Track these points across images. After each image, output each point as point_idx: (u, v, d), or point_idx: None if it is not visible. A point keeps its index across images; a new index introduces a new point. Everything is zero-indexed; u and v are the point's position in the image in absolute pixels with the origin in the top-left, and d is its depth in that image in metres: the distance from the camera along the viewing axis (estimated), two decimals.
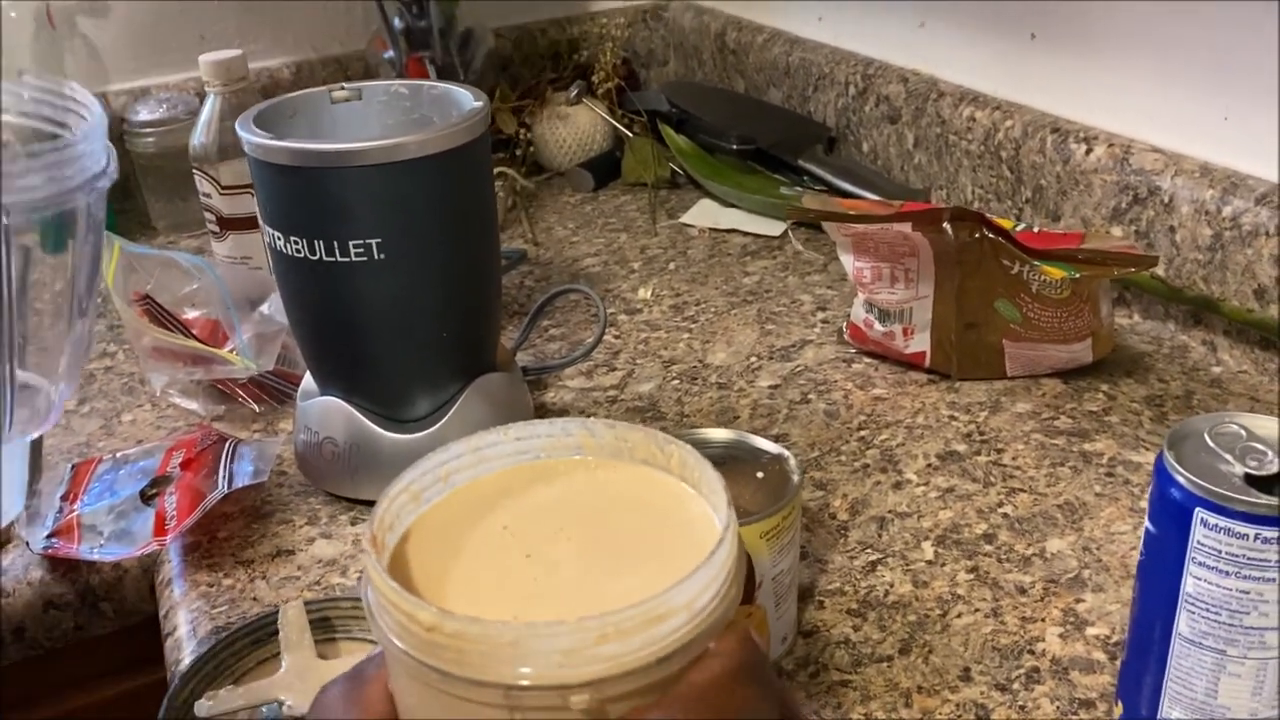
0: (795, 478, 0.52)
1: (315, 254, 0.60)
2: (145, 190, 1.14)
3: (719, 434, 0.56)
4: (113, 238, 0.80)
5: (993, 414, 0.74)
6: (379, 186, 0.58)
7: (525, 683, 0.23)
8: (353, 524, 0.67)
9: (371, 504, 0.67)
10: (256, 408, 0.77)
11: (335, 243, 0.60)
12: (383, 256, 0.60)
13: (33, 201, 0.42)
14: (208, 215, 0.92)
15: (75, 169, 0.44)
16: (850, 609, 0.58)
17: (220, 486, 0.64)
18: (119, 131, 1.11)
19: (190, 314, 0.79)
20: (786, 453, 0.54)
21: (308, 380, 0.69)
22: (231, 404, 0.79)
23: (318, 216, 0.60)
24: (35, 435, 0.60)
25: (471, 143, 0.61)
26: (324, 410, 0.66)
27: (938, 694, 0.52)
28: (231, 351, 0.75)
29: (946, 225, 0.67)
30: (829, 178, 1.08)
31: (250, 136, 0.60)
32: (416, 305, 0.63)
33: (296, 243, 0.61)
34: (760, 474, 0.53)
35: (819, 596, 0.59)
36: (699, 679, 0.24)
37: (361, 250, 0.60)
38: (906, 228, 0.67)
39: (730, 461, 0.54)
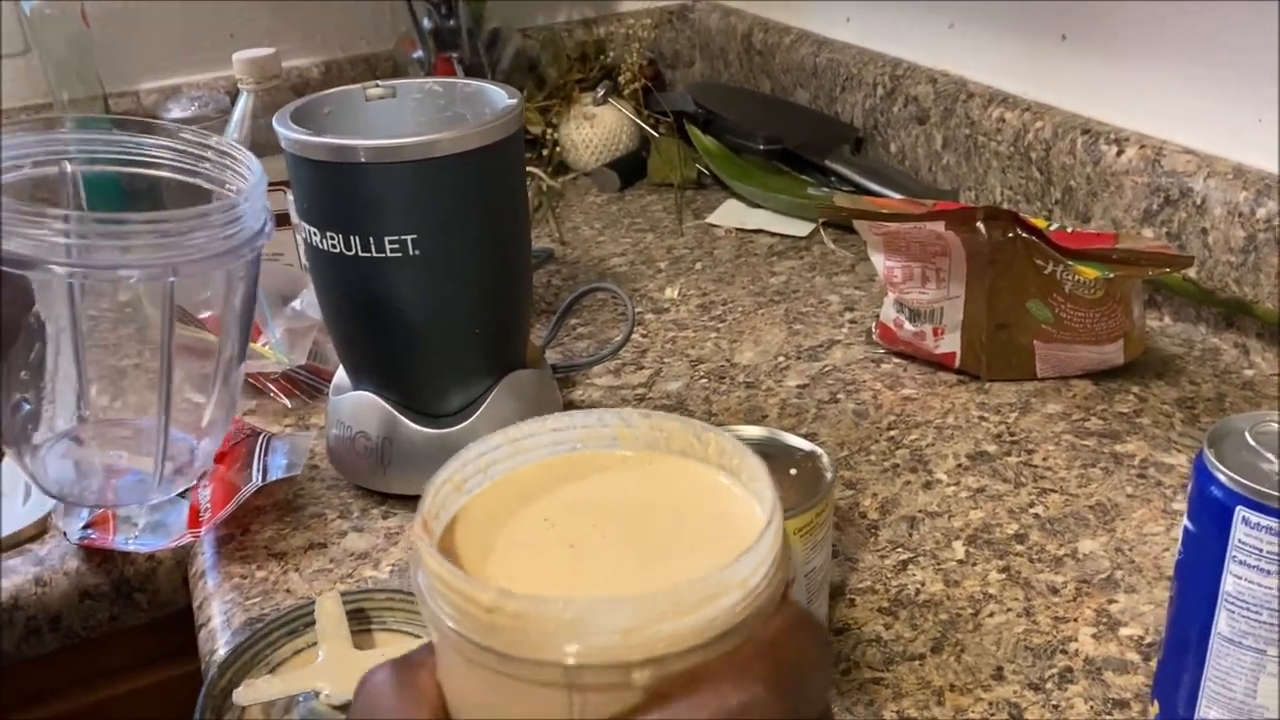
0: (828, 475, 0.53)
1: (351, 249, 0.61)
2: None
3: (751, 431, 0.56)
4: None
5: (1023, 415, 0.74)
6: (415, 183, 0.59)
7: (586, 661, 0.23)
8: (384, 518, 0.67)
9: (404, 498, 0.68)
10: (288, 402, 0.78)
11: (371, 238, 0.60)
12: (418, 252, 0.60)
13: (200, 261, 0.41)
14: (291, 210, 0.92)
15: (238, 228, 0.44)
16: (881, 607, 0.58)
17: (254, 479, 0.65)
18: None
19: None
20: (819, 450, 0.54)
21: (340, 375, 0.70)
22: (263, 398, 0.79)
23: (354, 212, 0.60)
24: (181, 489, 0.60)
25: (505, 140, 0.62)
26: (357, 405, 0.67)
27: (970, 692, 0.52)
28: (264, 346, 0.75)
29: (980, 224, 0.66)
30: (856, 178, 1.08)
31: (288, 132, 0.60)
32: (450, 301, 0.63)
33: (332, 238, 0.61)
34: (793, 470, 0.53)
35: (850, 594, 0.59)
36: (762, 634, 0.24)
37: (397, 246, 0.60)
38: (939, 227, 0.67)
39: (763, 458, 0.54)
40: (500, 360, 0.68)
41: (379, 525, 0.67)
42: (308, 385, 0.79)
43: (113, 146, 0.53)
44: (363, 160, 0.58)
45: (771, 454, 0.54)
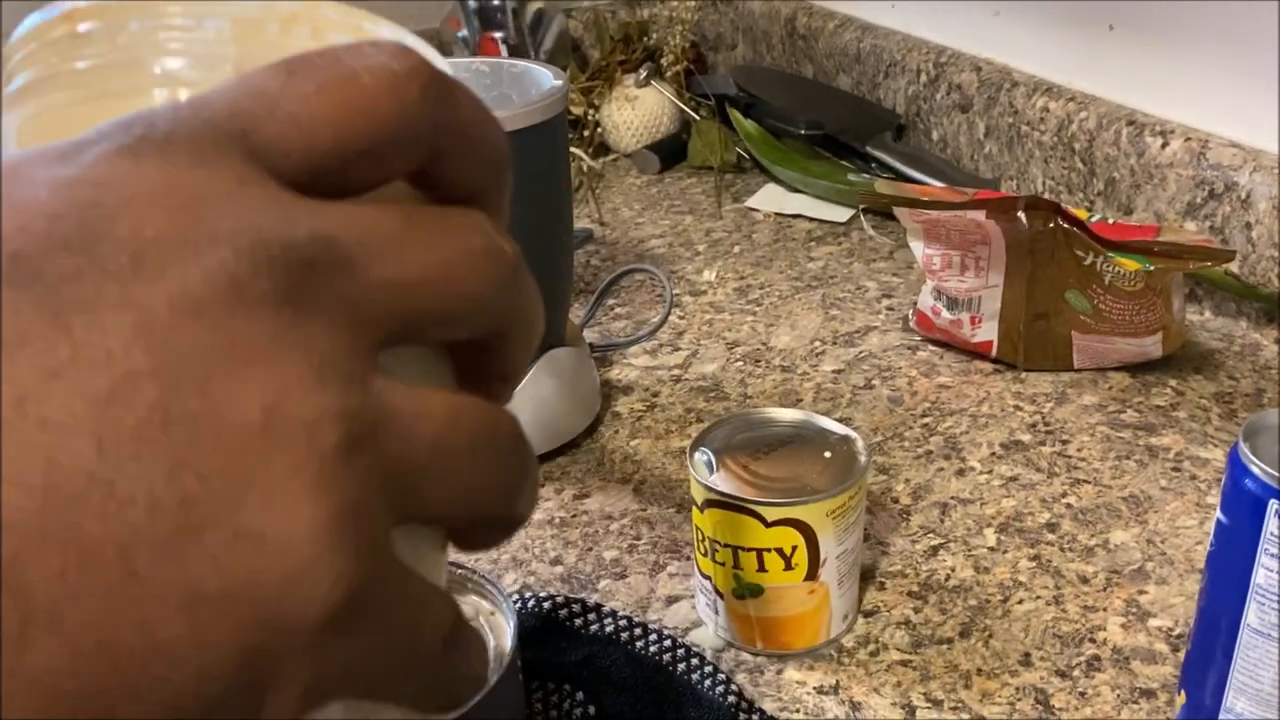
0: (862, 459, 0.53)
1: None
2: None
3: (787, 414, 0.56)
4: None
5: (1058, 405, 0.74)
6: None
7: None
8: None
9: None
10: None
11: None
12: None
13: None
14: None
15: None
16: (911, 591, 0.58)
17: None
18: None
19: None
20: (854, 434, 0.55)
21: None
22: None
23: None
24: None
25: (550, 121, 0.62)
26: None
27: (997, 677, 0.52)
28: None
29: (1021, 214, 0.66)
30: (897, 165, 1.08)
31: None
32: None
33: None
34: (828, 454, 0.54)
35: (880, 578, 0.59)
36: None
37: None
38: (980, 215, 0.67)
39: (798, 441, 0.55)
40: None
41: None
42: None
43: None
44: None
45: (807, 437, 0.55)
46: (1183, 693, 0.47)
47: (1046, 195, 0.97)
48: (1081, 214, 0.69)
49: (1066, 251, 0.68)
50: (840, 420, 0.73)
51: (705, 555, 0.54)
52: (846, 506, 0.52)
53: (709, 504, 0.52)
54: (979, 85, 1.04)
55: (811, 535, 0.51)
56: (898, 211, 0.72)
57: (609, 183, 1.18)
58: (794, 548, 0.51)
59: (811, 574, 0.52)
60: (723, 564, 0.53)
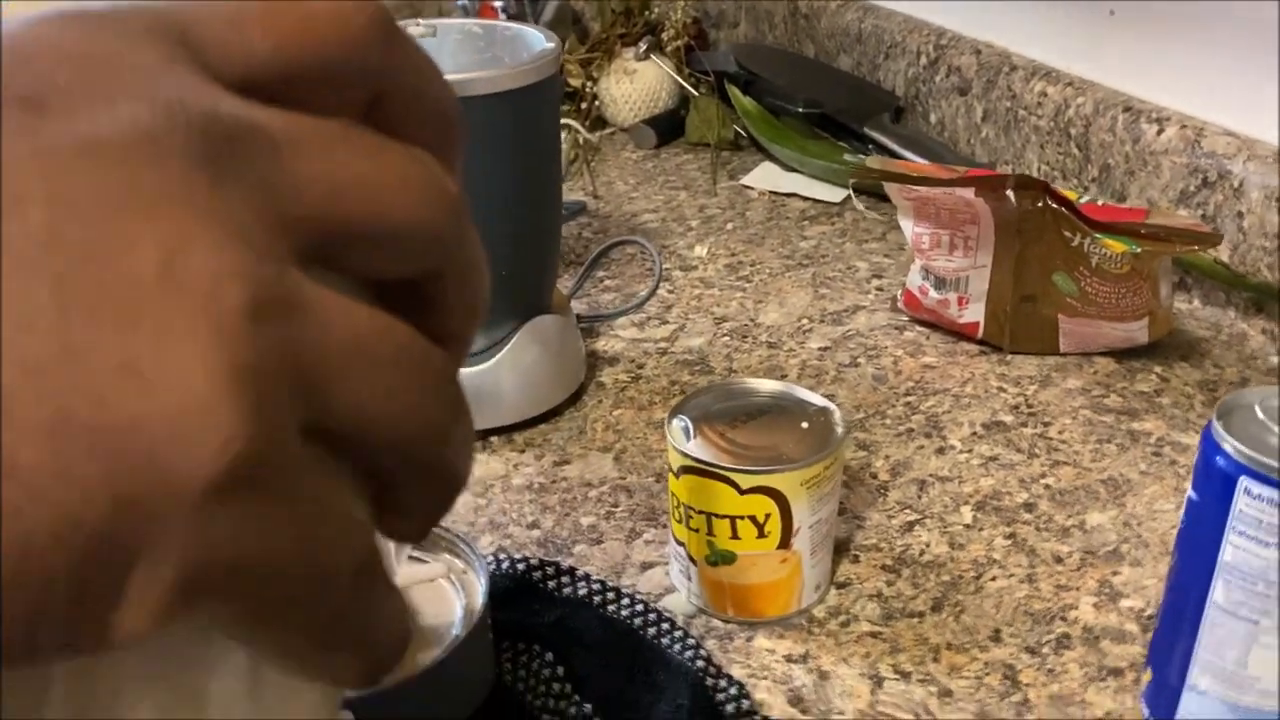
0: (839, 430, 0.53)
1: None
2: None
3: (767, 385, 0.56)
4: None
5: (1042, 388, 0.74)
6: None
7: None
8: None
9: None
10: None
11: None
12: None
13: None
14: None
15: None
16: (885, 565, 0.58)
17: None
18: None
19: None
20: (832, 406, 0.55)
21: None
22: None
23: None
24: None
25: (540, 84, 0.62)
26: None
27: (966, 651, 0.53)
28: None
29: (1010, 192, 0.66)
30: (894, 147, 1.07)
31: None
32: None
33: None
34: (805, 424, 0.54)
35: (855, 551, 0.60)
36: None
37: None
38: (969, 193, 0.67)
39: (776, 411, 0.55)
40: (525, 304, 0.68)
41: None
42: None
43: None
44: None
45: (785, 408, 0.55)
46: (1149, 669, 0.47)
47: None
48: (1071, 194, 0.68)
49: (1054, 232, 0.68)
50: (825, 398, 0.73)
51: (680, 522, 0.54)
52: (821, 477, 0.52)
53: (684, 470, 0.52)
54: (978, 68, 1.03)
55: (785, 504, 0.51)
56: (888, 188, 0.71)
57: (604, 156, 1.17)
58: (767, 515, 0.51)
59: (784, 543, 0.52)
60: (696, 530, 0.53)
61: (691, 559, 0.54)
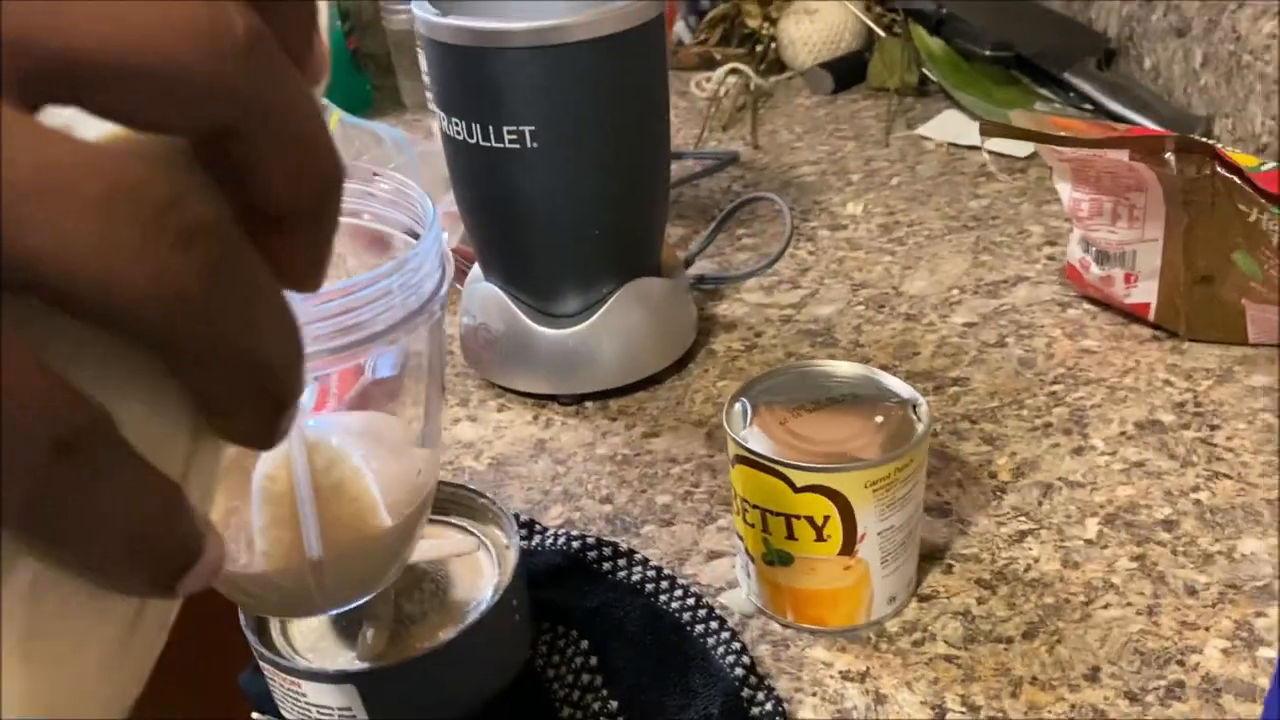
0: (920, 427, 0.47)
1: (473, 138, 0.60)
2: (398, 69, 1.18)
3: (847, 368, 0.51)
4: (331, 107, 0.83)
5: (1219, 384, 0.64)
6: (531, 71, 0.56)
7: None
8: (499, 410, 0.67)
9: (520, 393, 0.67)
10: None
11: (490, 127, 0.59)
12: (535, 145, 0.58)
13: (377, 333, 0.33)
14: (428, 94, 0.94)
15: (416, 292, 0.35)
16: (981, 579, 0.52)
17: (366, 374, 0.66)
18: (377, 7, 1.16)
19: None
20: (920, 398, 0.49)
21: (477, 265, 0.70)
22: None
23: (474, 99, 0.59)
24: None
25: (637, 29, 0.58)
26: (484, 296, 0.67)
27: (1053, 689, 0.46)
28: None
29: (1169, 155, 0.56)
30: (1096, 95, 0.96)
31: (420, 12, 0.59)
32: (569, 197, 0.61)
33: (457, 124, 0.60)
34: (880, 418, 0.48)
35: (949, 560, 0.53)
36: None
37: (515, 137, 0.58)
38: (1123, 155, 0.57)
39: (851, 400, 0.49)
40: (625, 264, 0.65)
41: (491, 417, 0.67)
42: (462, 272, 0.79)
43: None
44: (479, 44, 0.56)
45: (863, 396, 0.49)
46: None
47: (1265, 139, 0.83)
48: (1247, 160, 0.57)
49: (1228, 204, 0.58)
50: (955, 379, 0.66)
51: (738, 514, 0.49)
52: (893, 480, 0.46)
53: (738, 460, 0.47)
54: (1200, 6, 0.90)
55: (847, 507, 0.46)
56: (1040, 148, 0.62)
57: (775, 103, 1.11)
58: (826, 518, 0.46)
59: (847, 549, 0.47)
60: (752, 525, 0.48)
61: (750, 555, 0.50)
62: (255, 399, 0.18)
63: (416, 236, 0.38)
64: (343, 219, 0.20)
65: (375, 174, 0.39)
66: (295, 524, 0.37)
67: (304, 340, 0.19)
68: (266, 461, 0.35)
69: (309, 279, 0.20)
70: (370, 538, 0.39)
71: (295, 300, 0.19)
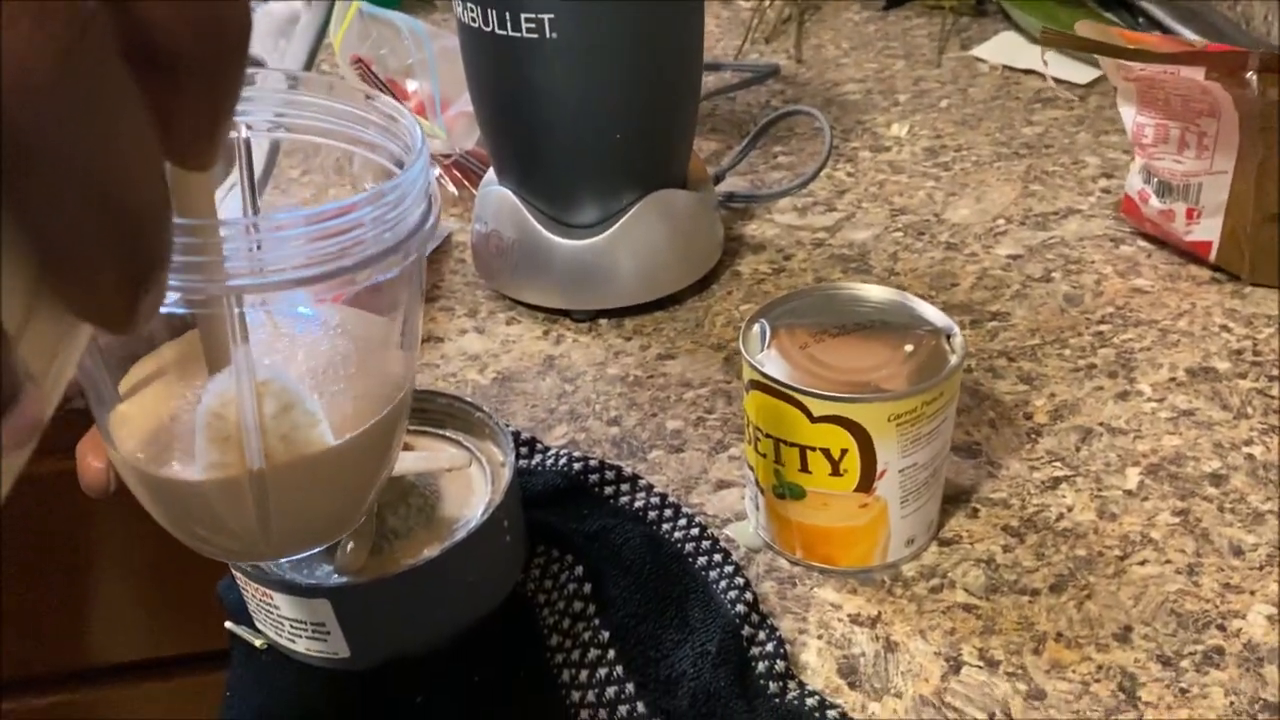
0: (952, 359, 0.43)
1: (489, 25, 0.55)
2: None
3: (878, 291, 0.47)
4: None
5: None
6: None
7: None
8: (508, 324, 0.64)
9: (531, 306, 0.64)
10: (456, 191, 0.75)
11: (507, 13, 0.54)
12: (555, 35, 0.54)
13: (344, 267, 0.29)
14: None
15: (402, 219, 0.31)
16: (1008, 526, 0.48)
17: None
18: None
19: (411, 85, 0.78)
20: (955, 327, 0.45)
21: (491, 169, 0.66)
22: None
23: None
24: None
25: None
26: (497, 201, 0.63)
27: (1080, 648, 0.42)
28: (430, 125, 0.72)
29: (1251, 75, 0.51)
30: (1167, 21, 0.89)
31: None
32: (588, 96, 0.57)
33: (472, 10, 0.56)
34: (909, 347, 0.44)
35: (975, 503, 0.50)
36: None
37: (533, 25, 0.54)
38: (1198, 74, 0.52)
39: (879, 326, 0.45)
40: (647, 174, 0.61)
41: (500, 330, 0.63)
42: (476, 175, 0.75)
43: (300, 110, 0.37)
44: None
45: (892, 323, 0.45)
46: None
47: None
48: None
49: None
50: (994, 313, 0.62)
51: (750, 444, 0.46)
52: (919, 414, 0.42)
53: (753, 385, 0.44)
54: None
55: (866, 440, 0.42)
56: (1105, 65, 0.57)
57: (823, 16, 1.05)
58: (844, 451, 0.42)
59: (865, 485, 0.43)
60: (764, 455, 0.45)
61: (760, 487, 0.46)
62: (112, 256, 0.15)
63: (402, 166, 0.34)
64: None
65: (368, 97, 0.35)
66: (242, 463, 0.33)
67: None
68: (213, 396, 0.31)
69: (195, 149, 0.17)
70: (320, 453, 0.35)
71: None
